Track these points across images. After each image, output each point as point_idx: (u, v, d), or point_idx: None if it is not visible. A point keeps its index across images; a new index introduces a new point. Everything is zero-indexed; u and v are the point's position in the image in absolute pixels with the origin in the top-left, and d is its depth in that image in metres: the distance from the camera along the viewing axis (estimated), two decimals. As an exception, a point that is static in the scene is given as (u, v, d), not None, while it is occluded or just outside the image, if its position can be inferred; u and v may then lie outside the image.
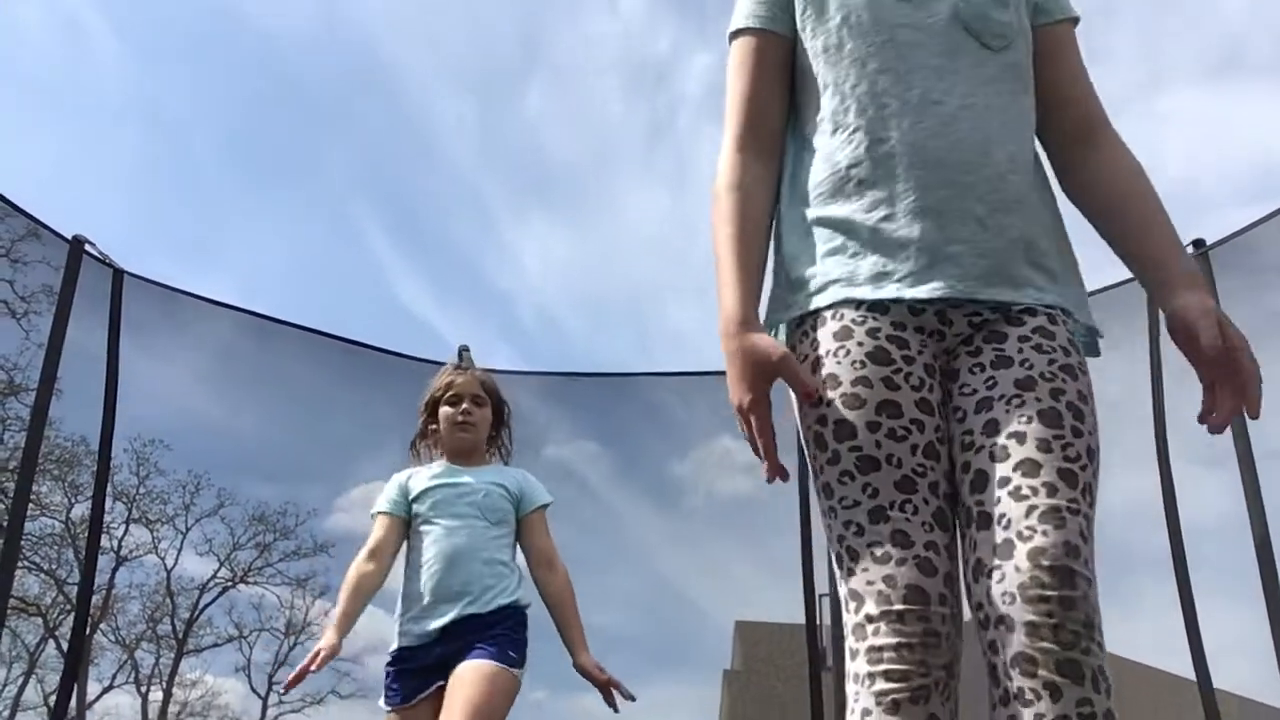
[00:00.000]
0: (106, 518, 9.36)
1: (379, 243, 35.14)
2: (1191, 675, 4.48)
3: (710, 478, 7.48)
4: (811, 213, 1.44)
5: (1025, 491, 1.20)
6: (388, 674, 2.50)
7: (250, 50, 31.64)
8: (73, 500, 16.53)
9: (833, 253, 1.40)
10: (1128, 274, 1.51)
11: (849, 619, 1.26)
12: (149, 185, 32.87)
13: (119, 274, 4.85)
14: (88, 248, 4.64)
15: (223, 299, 5.41)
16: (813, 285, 1.40)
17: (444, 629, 2.44)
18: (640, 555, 7.13)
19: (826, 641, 6.07)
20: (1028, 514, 1.19)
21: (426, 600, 2.47)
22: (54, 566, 17.85)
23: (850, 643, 1.25)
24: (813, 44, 1.49)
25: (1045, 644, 1.13)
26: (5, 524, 4.84)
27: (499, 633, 2.42)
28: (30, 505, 5.11)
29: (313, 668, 2.29)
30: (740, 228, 1.44)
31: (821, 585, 5.56)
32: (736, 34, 1.55)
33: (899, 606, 1.21)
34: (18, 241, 4.80)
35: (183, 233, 33.03)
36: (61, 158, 30.61)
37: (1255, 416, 1.30)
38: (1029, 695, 1.13)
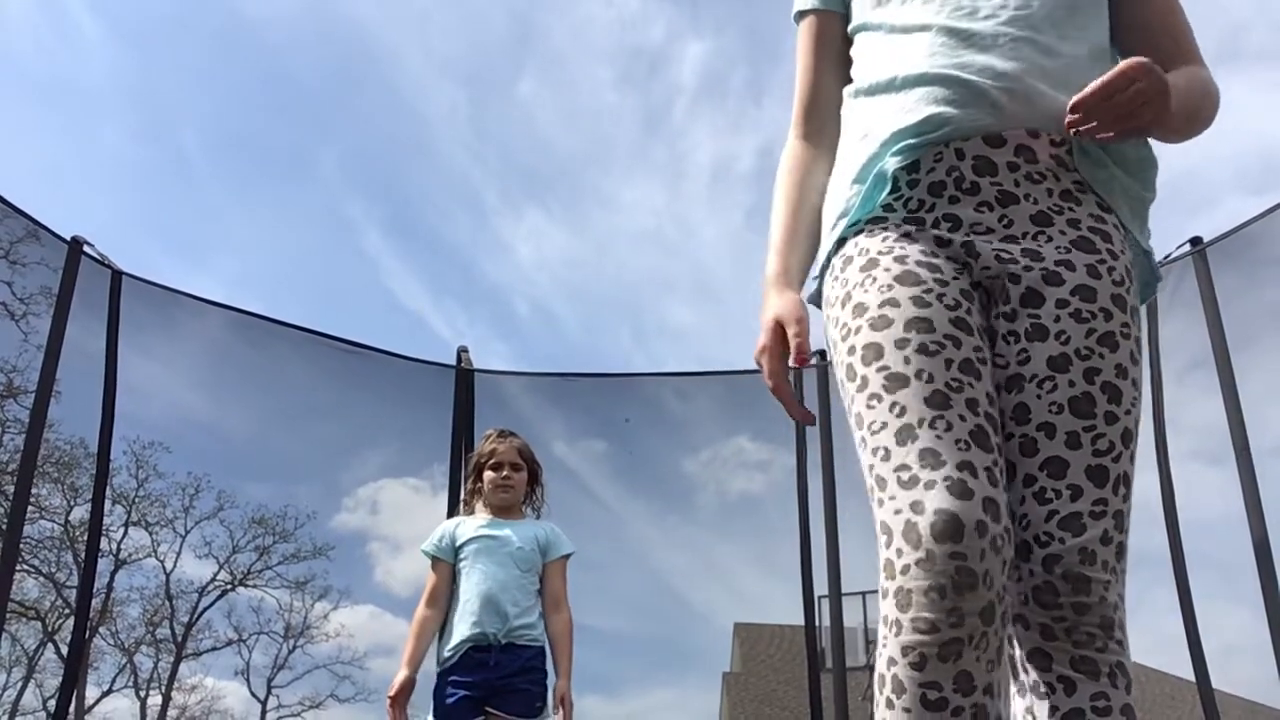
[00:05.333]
0: (106, 520, 9.37)
1: (372, 237, 35.09)
2: (1191, 676, 4.48)
3: (710, 480, 7.47)
4: (841, 154, 1.46)
5: (1049, 494, 1.19)
6: (438, 694, 2.96)
7: (240, 42, 31.60)
8: (72, 503, 16.52)
9: (854, 182, 1.39)
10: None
11: (880, 554, 1.14)
12: (140, 182, 32.81)
13: (117, 275, 4.85)
14: (86, 249, 4.65)
15: (217, 297, 5.43)
16: (836, 217, 1.39)
17: (485, 660, 2.93)
18: (640, 557, 7.13)
19: (825, 643, 6.08)
20: (1048, 519, 1.18)
21: (471, 633, 2.94)
22: (53, 570, 17.86)
23: (880, 580, 1.13)
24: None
25: (1060, 643, 1.16)
26: (4, 527, 4.84)
27: (524, 686, 2.92)
28: (29, 508, 5.11)
29: (392, 694, 2.88)
30: (787, 199, 1.49)
31: (820, 587, 5.56)
32: (799, 16, 1.60)
33: (927, 544, 1.07)
34: (16, 243, 4.80)
35: (176, 230, 32.98)
36: (53, 155, 30.56)
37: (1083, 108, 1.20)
38: (1044, 688, 1.16)
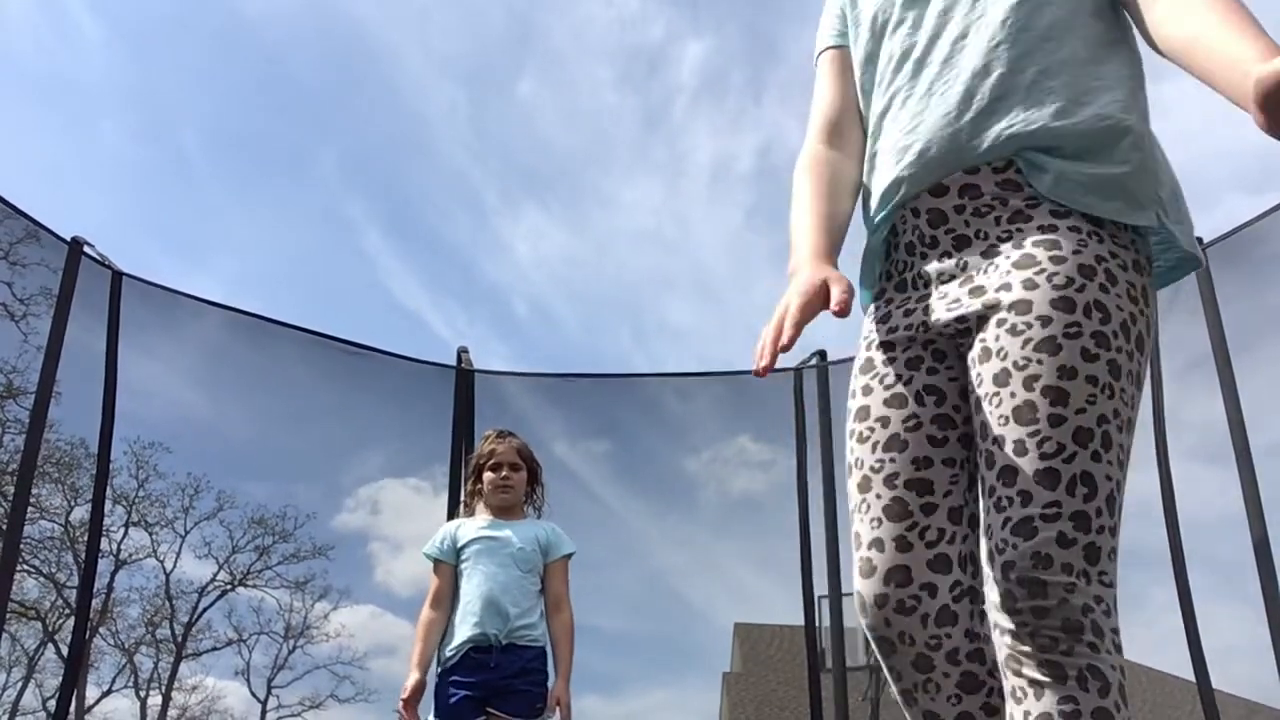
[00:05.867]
0: (106, 521, 9.37)
1: (372, 236, 35.03)
2: (1191, 676, 4.48)
3: (710, 480, 7.47)
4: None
5: (1004, 501, 1.20)
6: (439, 693, 2.99)
7: (239, 41, 31.55)
8: (72, 503, 16.52)
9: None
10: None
11: None
12: (140, 182, 32.74)
13: (118, 276, 4.86)
14: (86, 249, 4.65)
15: (216, 296, 5.45)
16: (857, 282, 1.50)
17: (485, 661, 2.95)
18: (640, 557, 7.13)
19: (825, 643, 6.07)
20: (1004, 525, 1.20)
21: (471, 634, 2.96)
22: (53, 570, 17.86)
23: None
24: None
25: (1025, 648, 1.16)
26: (4, 527, 4.84)
27: (525, 687, 2.94)
28: (29, 508, 5.11)
29: (405, 697, 2.92)
30: (815, 191, 1.48)
31: (821, 587, 5.56)
32: (819, 54, 1.66)
33: (864, 620, 1.33)
34: (16, 244, 4.80)
35: (175, 229, 32.90)
36: (52, 154, 30.51)
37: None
38: (1017, 693, 1.17)
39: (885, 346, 1.39)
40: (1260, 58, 1.05)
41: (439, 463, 5.61)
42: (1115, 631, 1.17)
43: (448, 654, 3.00)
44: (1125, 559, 1.23)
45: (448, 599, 3.07)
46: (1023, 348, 1.22)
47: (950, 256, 1.36)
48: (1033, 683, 1.14)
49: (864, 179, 1.51)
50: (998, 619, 1.19)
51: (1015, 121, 1.31)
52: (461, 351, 5.77)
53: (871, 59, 1.51)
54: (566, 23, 31.73)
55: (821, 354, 5.79)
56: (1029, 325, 1.23)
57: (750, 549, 7.34)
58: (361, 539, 16.31)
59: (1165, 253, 1.38)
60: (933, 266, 1.37)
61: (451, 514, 5.24)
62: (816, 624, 5.71)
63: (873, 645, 1.34)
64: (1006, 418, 1.22)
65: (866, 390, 1.39)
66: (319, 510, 7.13)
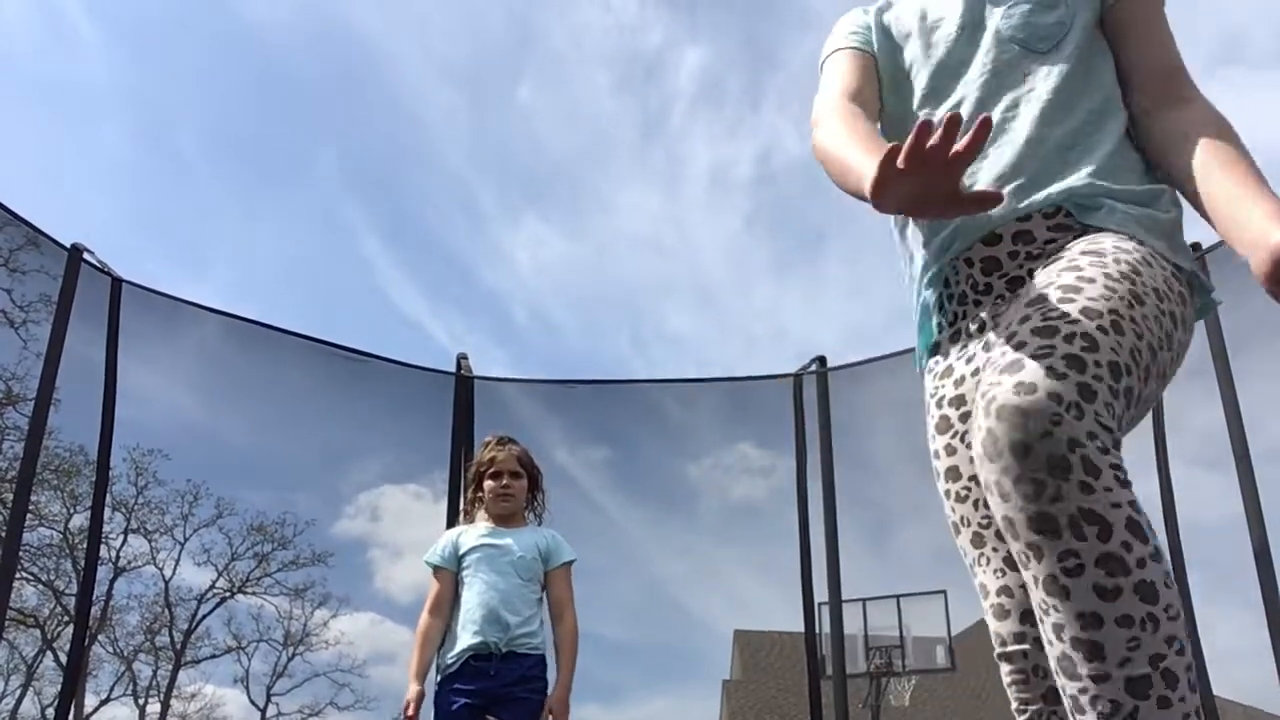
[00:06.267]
0: (105, 528, 9.36)
1: (370, 241, 35.04)
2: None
3: (710, 487, 7.47)
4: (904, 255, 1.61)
5: (992, 360, 1.16)
6: (439, 701, 3.00)
7: (238, 44, 31.56)
8: (71, 510, 16.53)
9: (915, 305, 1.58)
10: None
11: None
12: (138, 185, 32.73)
13: (117, 283, 4.86)
14: (86, 256, 4.65)
15: (215, 300, 5.48)
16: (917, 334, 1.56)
17: (485, 669, 2.96)
18: (640, 564, 7.13)
19: (825, 650, 6.06)
20: (991, 370, 1.13)
21: (472, 642, 2.96)
22: (52, 577, 17.83)
23: None
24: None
25: (1010, 504, 1.05)
26: (3, 534, 4.83)
27: (525, 695, 2.94)
28: (29, 515, 5.11)
29: (409, 714, 2.91)
30: (844, 123, 1.44)
31: (820, 594, 5.56)
32: (833, 53, 1.66)
33: (1000, 654, 1.37)
34: (16, 250, 4.81)
35: (173, 233, 32.87)
36: (50, 157, 30.49)
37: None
38: (1020, 559, 1.08)
39: (956, 402, 1.42)
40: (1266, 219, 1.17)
41: (439, 469, 5.61)
42: (1117, 468, 1.05)
43: (448, 661, 3.00)
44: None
45: (447, 605, 3.07)
46: (1026, 306, 1.20)
47: (1005, 300, 1.38)
48: (1030, 546, 1.04)
49: (902, 232, 1.57)
50: (983, 475, 1.09)
51: (1067, 183, 1.36)
52: (461, 358, 5.77)
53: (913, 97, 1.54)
54: (565, 28, 31.80)
55: (821, 360, 5.79)
56: (1031, 288, 1.25)
57: (750, 556, 7.34)
58: (361, 545, 16.35)
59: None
60: (987, 313, 1.40)
61: (451, 520, 5.24)
62: (817, 631, 5.71)
63: (1005, 679, 1.37)
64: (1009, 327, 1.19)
65: (950, 450, 1.41)
66: (319, 517, 7.16)
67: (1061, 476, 1.02)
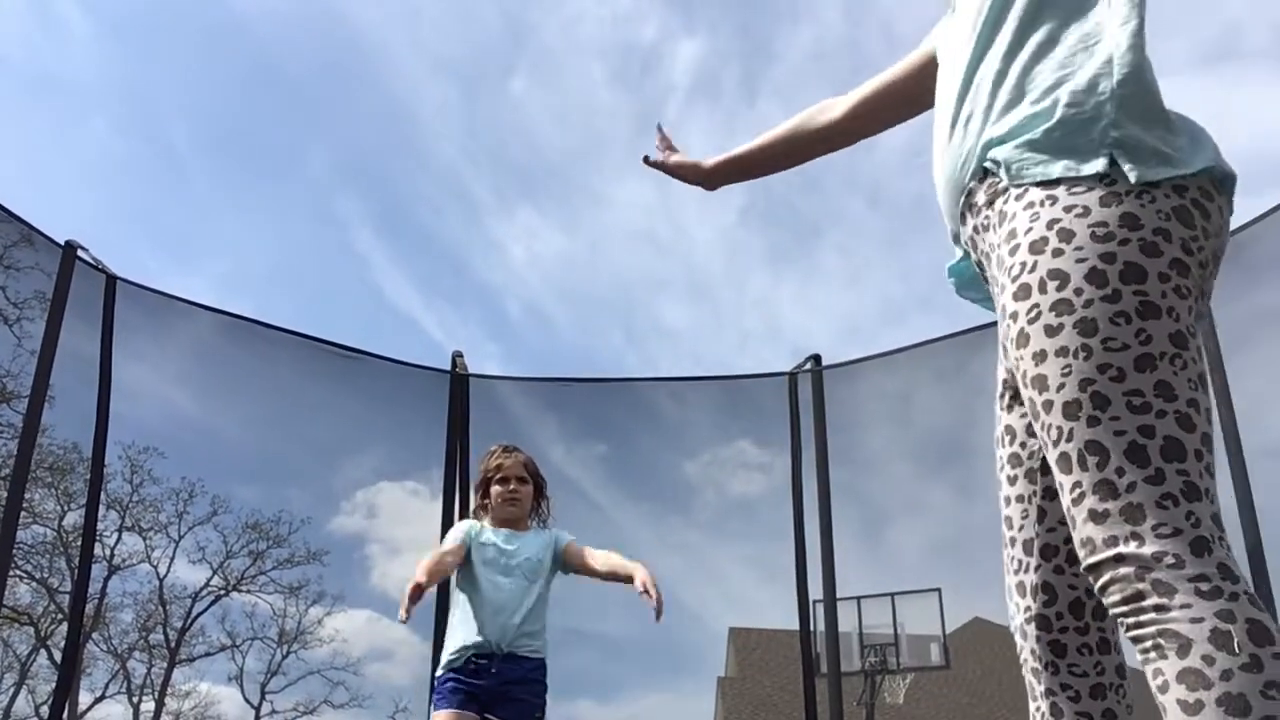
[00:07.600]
0: (99, 525, 9.34)
1: (363, 235, 34.96)
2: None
3: (705, 484, 7.48)
4: None
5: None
6: (441, 686, 3.04)
7: (229, 38, 31.42)
8: (65, 508, 16.52)
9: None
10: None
11: None
12: (129, 179, 32.61)
13: (112, 280, 4.85)
14: (80, 253, 4.64)
15: (207, 295, 5.52)
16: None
17: (486, 668, 2.99)
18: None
19: (820, 648, 6.07)
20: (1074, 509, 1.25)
21: (474, 640, 3.00)
22: (46, 575, 17.82)
23: None
24: None
25: (1124, 632, 1.16)
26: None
27: (523, 696, 2.99)
28: (23, 513, 5.10)
29: (409, 591, 2.74)
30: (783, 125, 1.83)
31: (816, 591, 5.56)
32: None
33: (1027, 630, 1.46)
34: (10, 247, 4.80)
35: (165, 227, 32.78)
36: (40, 152, 30.34)
37: None
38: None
39: (1001, 391, 1.50)
40: None
41: (435, 466, 5.61)
42: (1196, 579, 1.09)
43: (449, 657, 3.05)
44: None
45: (457, 556, 3.11)
46: (1014, 347, 1.24)
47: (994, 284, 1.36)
48: (1145, 662, 1.14)
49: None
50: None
51: (985, 132, 1.34)
52: (456, 356, 5.77)
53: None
54: (558, 20, 31.76)
55: (816, 358, 5.80)
56: (1007, 328, 1.25)
57: (745, 553, 7.35)
58: (358, 542, 16.30)
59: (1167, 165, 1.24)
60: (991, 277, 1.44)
61: (447, 518, 5.24)
62: (811, 628, 5.71)
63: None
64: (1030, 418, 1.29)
65: (998, 438, 1.51)
66: (314, 514, 7.16)
67: (1136, 607, 1.12)
